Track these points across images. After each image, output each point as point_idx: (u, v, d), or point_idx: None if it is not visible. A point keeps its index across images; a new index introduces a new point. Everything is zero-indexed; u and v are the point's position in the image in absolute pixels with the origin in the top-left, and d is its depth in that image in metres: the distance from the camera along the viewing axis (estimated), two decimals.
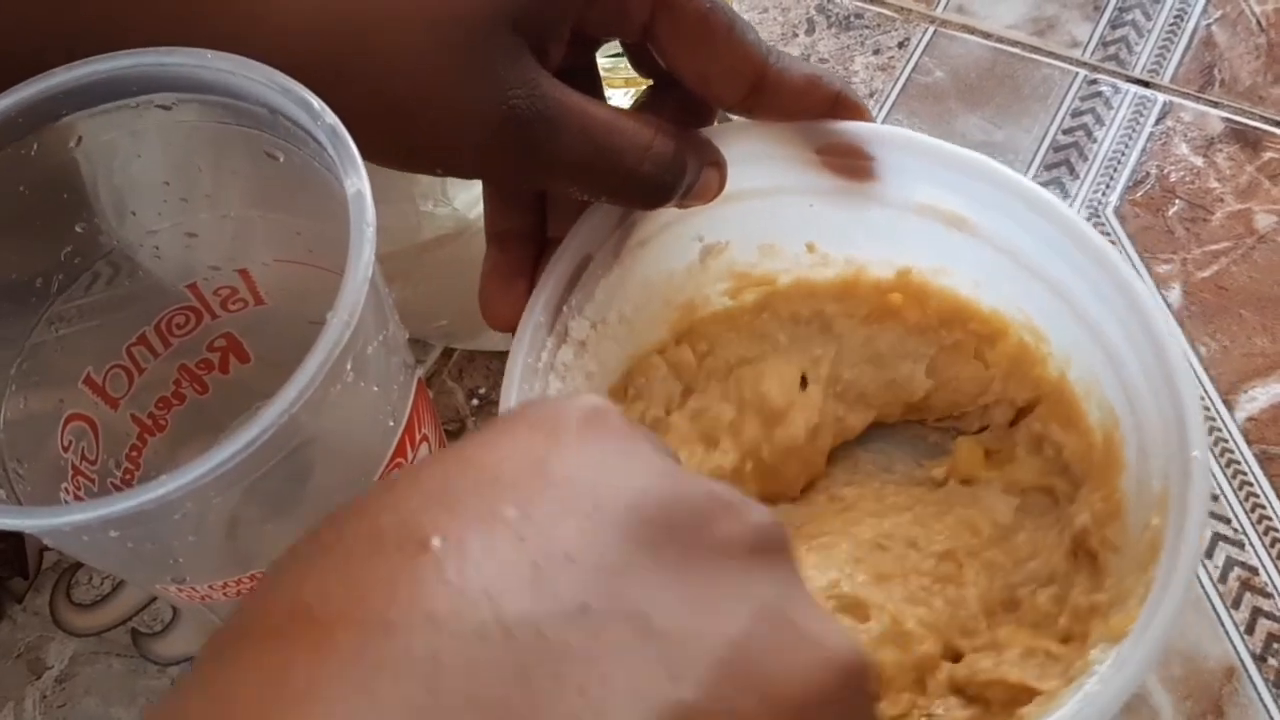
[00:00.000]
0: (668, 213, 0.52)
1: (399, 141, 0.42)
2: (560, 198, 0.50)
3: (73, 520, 0.33)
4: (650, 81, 0.50)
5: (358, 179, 0.37)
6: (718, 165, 0.49)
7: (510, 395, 0.47)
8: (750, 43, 0.46)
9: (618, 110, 0.45)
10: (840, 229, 0.56)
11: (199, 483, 0.33)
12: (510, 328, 0.49)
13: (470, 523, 0.25)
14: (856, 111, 0.50)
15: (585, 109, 0.43)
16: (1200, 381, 0.64)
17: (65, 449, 0.46)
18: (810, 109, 0.49)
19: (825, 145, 0.51)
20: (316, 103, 0.38)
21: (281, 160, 0.42)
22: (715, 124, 0.53)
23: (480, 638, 0.22)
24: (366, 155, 0.40)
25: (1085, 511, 0.51)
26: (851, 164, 0.51)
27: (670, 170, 0.45)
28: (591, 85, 0.49)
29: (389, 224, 0.57)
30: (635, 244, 0.53)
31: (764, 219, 0.56)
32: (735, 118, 0.50)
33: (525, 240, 0.50)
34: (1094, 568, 0.51)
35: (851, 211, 0.54)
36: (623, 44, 0.49)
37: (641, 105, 0.50)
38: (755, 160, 0.52)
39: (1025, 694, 0.48)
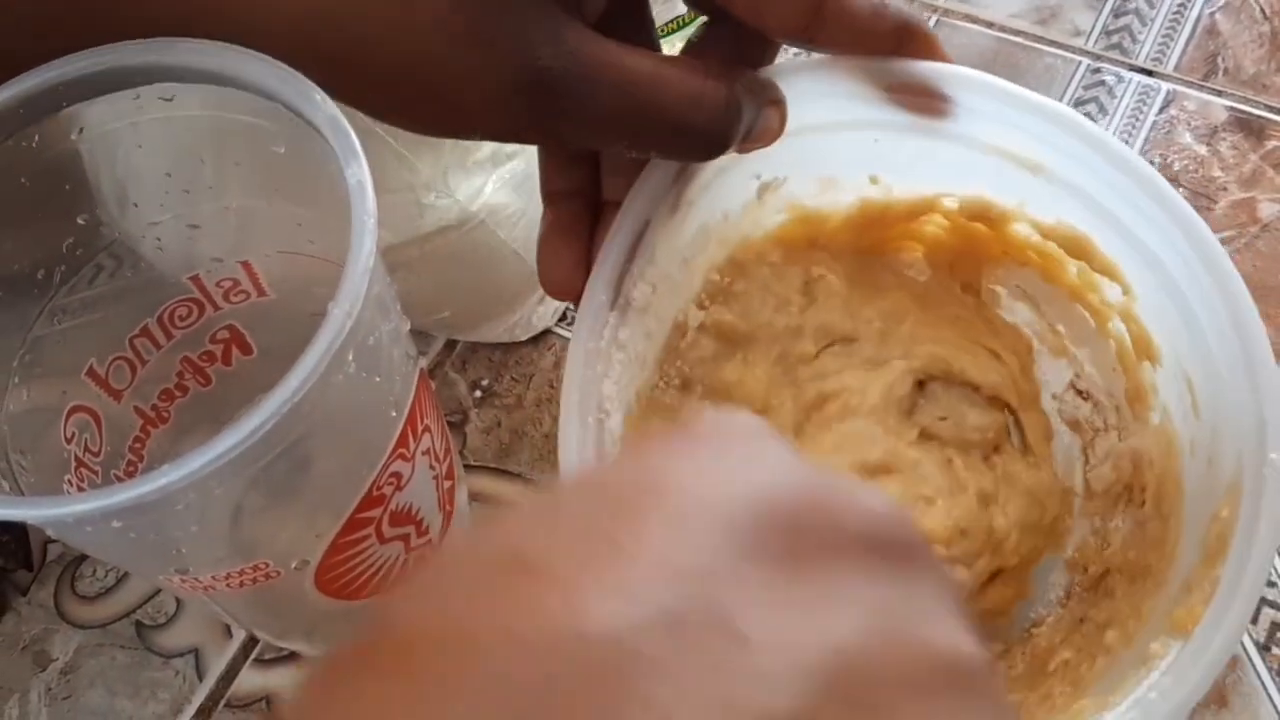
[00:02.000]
0: (724, 157, 0.49)
1: (428, 106, 0.40)
2: (613, 156, 0.48)
3: (75, 511, 0.34)
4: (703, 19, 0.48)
5: (359, 169, 0.37)
6: (777, 104, 0.45)
7: (573, 381, 0.46)
8: None
9: (662, 59, 0.42)
10: (906, 163, 0.54)
11: (201, 473, 0.33)
12: (566, 294, 0.47)
13: (566, 539, 0.24)
14: (925, 42, 0.46)
15: (624, 62, 0.40)
16: None
17: (68, 441, 0.46)
18: (876, 38, 0.46)
19: (898, 84, 0.49)
20: (317, 93, 0.38)
21: (283, 151, 0.42)
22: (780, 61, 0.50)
23: (555, 652, 0.22)
24: (393, 121, 0.40)
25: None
26: (927, 103, 0.49)
27: (724, 118, 0.42)
28: (639, 29, 0.46)
29: (391, 215, 0.57)
30: (692, 194, 0.51)
31: (824, 153, 0.53)
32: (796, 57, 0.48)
33: (580, 199, 0.48)
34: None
35: (919, 146, 0.52)
36: None
37: (695, 44, 0.47)
38: (816, 97, 0.50)
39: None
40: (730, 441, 0.27)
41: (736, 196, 0.54)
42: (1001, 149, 0.52)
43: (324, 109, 0.38)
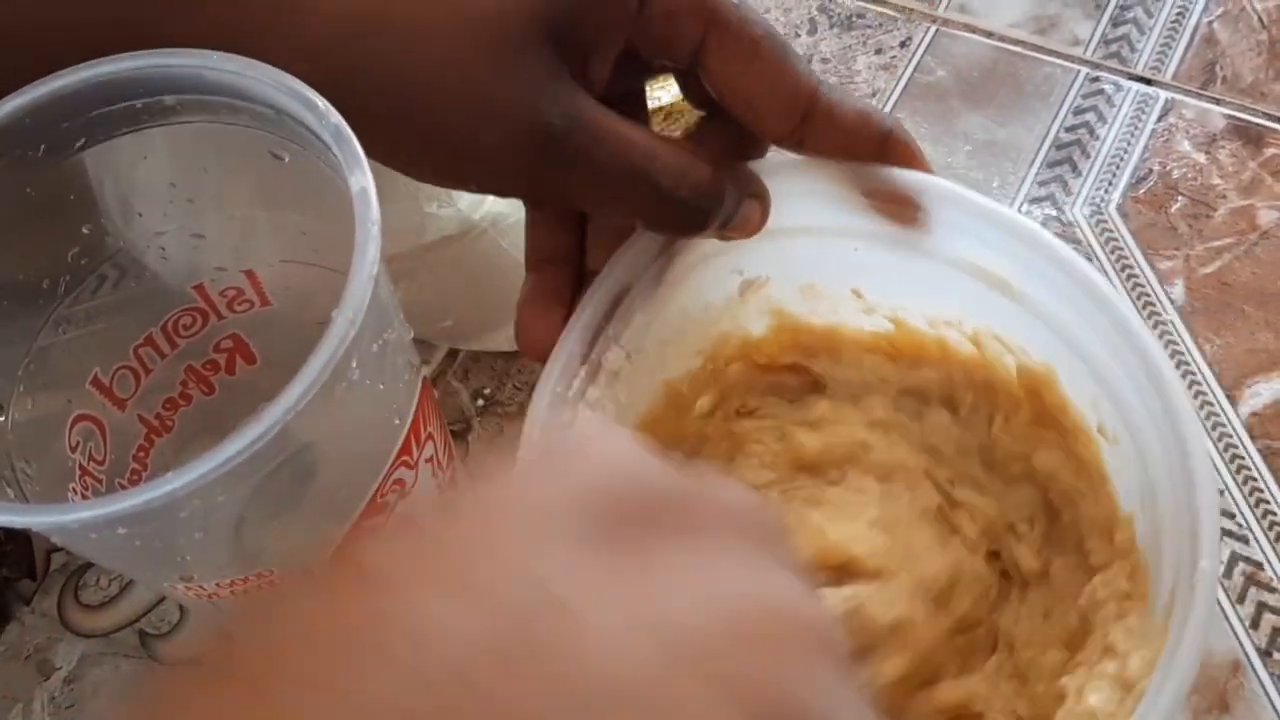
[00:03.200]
0: (708, 244, 0.52)
1: (431, 154, 0.42)
2: (600, 228, 0.49)
3: (81, 518, 0.34)
4: (701, 114, 0.50)
5: (362, 177, 0.37)
6: (759, 197, 0.47)
7: (536, 423, 0.47)
8: (802, 72, 0.45)
9: (656, 135, 0.44)
10: (884, 277, 0.55)
11: (205, 480, 0.33)
12: (542, 356, 0.48)
13: (403, 550, 0.26)
14: (907, 151, 0.48)
15: (621, 131, 0.42)
16: (1204, 377, 0.64)
17: (73, 449, 0.46)
18: (860, 145, 0.47)
19: (876, 189, 0.50)
20: (321, 102, 0.38)
21: (287, 160, 0.42)
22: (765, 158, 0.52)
23: (400, 665, 0.23)
24: (401, 168, 0.41)
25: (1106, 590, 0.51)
26: (902, 212, 0.50)
27: (707, 196, 0.44)
28: (636, 112, 0.48)
29: (393, 225, 0.56)
30: (675, 274, 0.52)
31: (807, 258, 0.55)
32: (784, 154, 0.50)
33: (564, 267, 0.49)
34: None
35: (896, 260, 0.53)
36: (674, 73, 0.48)
37: (691, 136, 0.49)
38: (800, 198, 0.51)
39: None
40: (573, 447, 0.29)
41: (719, 289, 0.55)
42: (973, 265, 0.52)
43: (328, 118, 0.38)
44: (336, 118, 0.38)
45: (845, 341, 0.57)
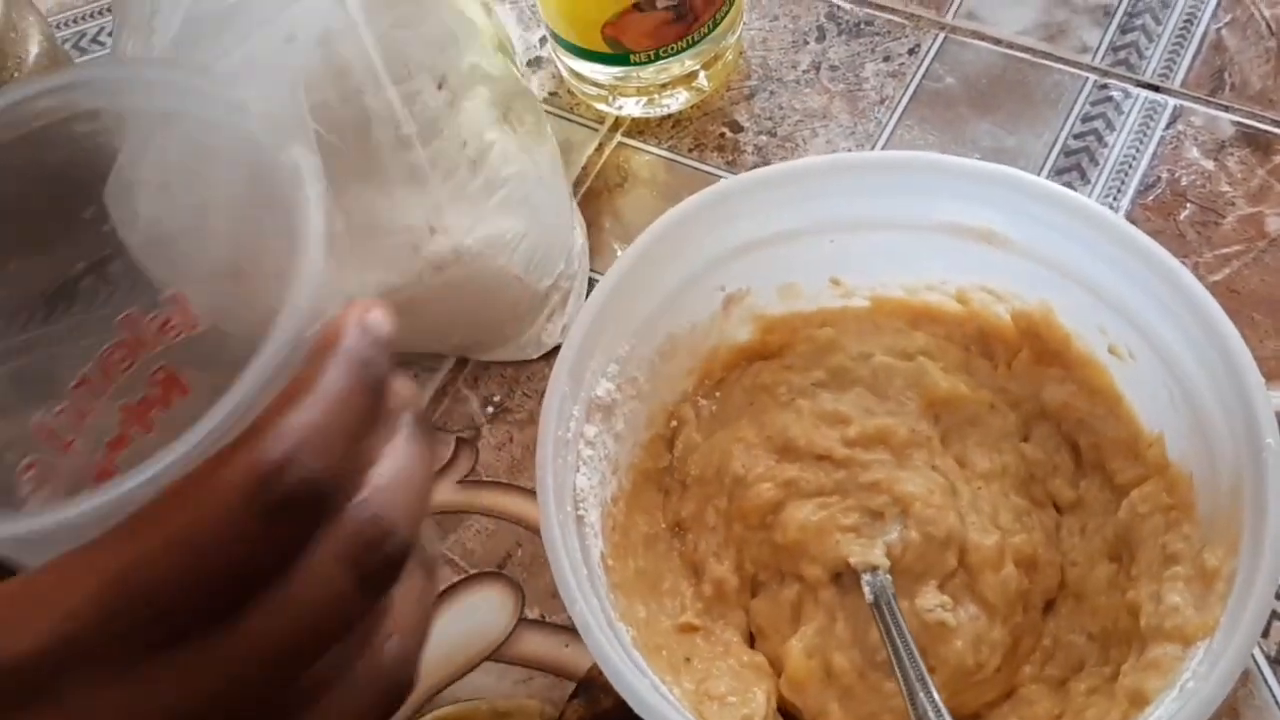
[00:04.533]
0: (689, 267, 0.49)
1: None
2: None
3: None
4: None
5: (297, 151, 0.28)
6: None
7: (546, 469, 0.44)
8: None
9: None
10: (862, 260, 0.51)
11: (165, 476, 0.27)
12: None
13: None
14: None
15: None
16: None
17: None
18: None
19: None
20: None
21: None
22: (735, 175, 0.50)
23: None
24: None
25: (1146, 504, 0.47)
26: None
27: None
28: None
29: (390, 257, 0.51)
30: (657, 301, 0.49)
31: (784, 261, 0.51)
32: (750, 167, 0.45)
33: None
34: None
35: (874, 241, 0.50)
36: None
37: None
38: (775, 206, 0.49)
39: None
40: None
41: (704, 308, 0.52)
42: (954, 225, 0.48)
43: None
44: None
45: (821, 322, 0.54)
